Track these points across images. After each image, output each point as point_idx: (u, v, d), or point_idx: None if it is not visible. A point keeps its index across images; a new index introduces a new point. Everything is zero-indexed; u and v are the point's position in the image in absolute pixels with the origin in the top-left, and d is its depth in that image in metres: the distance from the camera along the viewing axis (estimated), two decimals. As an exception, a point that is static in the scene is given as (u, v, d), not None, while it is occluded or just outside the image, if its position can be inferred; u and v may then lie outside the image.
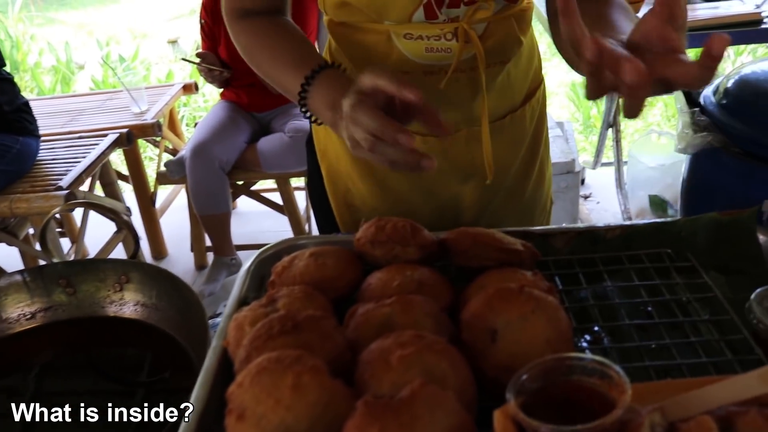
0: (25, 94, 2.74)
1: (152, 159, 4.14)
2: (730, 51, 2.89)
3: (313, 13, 2.56)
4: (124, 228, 2.71)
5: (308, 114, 0.90)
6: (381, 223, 0.79)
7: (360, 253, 0.82)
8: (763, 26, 2.15)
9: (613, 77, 0.64)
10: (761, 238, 0.85)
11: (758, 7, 2.26)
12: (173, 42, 9.97)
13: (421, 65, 0.95)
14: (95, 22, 12.95)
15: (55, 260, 1.04)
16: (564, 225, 0.92)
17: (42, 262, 1.14)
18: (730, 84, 1.97)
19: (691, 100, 2.03)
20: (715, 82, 2.03)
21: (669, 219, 0.91)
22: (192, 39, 10.21)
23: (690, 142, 1.83)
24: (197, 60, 2.71)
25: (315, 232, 2.79)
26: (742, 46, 3.99)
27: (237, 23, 0.99)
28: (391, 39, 0.94)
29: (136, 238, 1.08)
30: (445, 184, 1.06)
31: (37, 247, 2.60)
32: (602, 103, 4.85)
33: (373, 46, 0.96)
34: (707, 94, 1.99)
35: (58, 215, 2.53)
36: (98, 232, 2.70)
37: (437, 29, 0.92)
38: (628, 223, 0.91)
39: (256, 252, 0.90)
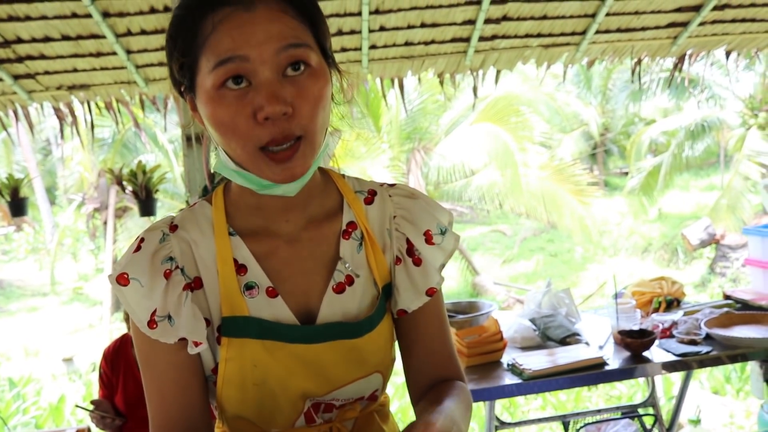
0: None
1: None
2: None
3: None
4: None
5: None
6: None
7: None
8: (606, 368, 2.48)
9: None
10: None
11: (601, 348, 2.63)
12: (68, 360, 9.86)
13: None
14: (-15, 336, 12.69)
15: None
16: None
17: None
18: None
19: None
20: None
21: None
22: (88, 356, 10.14)
23: None
24: (91, 408, 2.75)
25: None
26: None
27: None
28: None
29: None
30: None
31: None
32: None
33: None
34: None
35: None
36: None
37: (315, 430, 1.06)
38: None
39: None
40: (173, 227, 1.02)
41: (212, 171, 1.09)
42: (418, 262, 1.09)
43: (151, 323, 0.96)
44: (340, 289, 1.03)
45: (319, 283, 1.03)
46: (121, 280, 0.96)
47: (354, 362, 1.04)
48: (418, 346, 1.14)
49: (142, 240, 0.99)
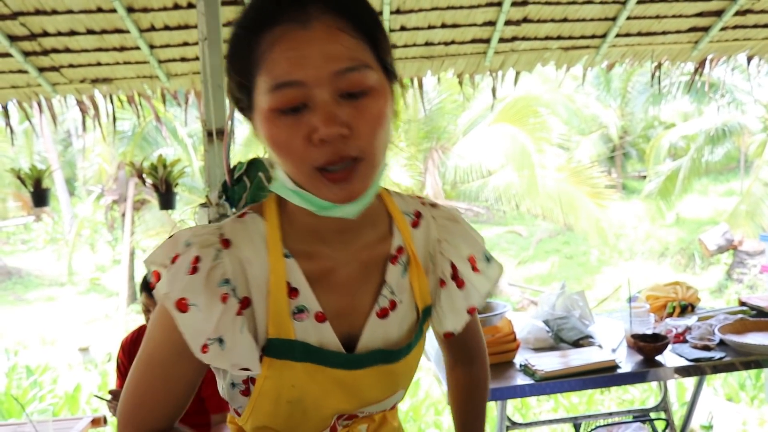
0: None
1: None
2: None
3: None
4: None
5: None
6: None
7: None
8: (619, 371, 2.49)
9: None
10: None
11: (614, 351, 2.63)
12: (84, 350, 9.97)
13: None
14: (4, 323, 12.84)
15: None
16: None
17: None
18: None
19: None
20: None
21: None
22: (104, 346, 10.24)
23: None
24: (108, 397, 2.79)
25: None
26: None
27: None
28: None
29: None
30: None
31: None
32: None
33: None
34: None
35: None
36: None
37: None
38: None
39: None
40: (225, 242, 0.98)
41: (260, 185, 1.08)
42: (461, 284, 1.11)
43: (204, 347, 0.94)
44: (383, 314, 1.04)
45: (365, 307, 1.04)
46: (181, 306, 0.93)
47: (388, 383, 1.07)
48: (454, 342, 1.26)
49: (197, 259, 0.95)
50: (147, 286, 2.69)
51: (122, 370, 2.89)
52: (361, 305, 1.03)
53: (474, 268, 1.11)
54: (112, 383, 6.09)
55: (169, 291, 0.94)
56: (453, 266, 1.11)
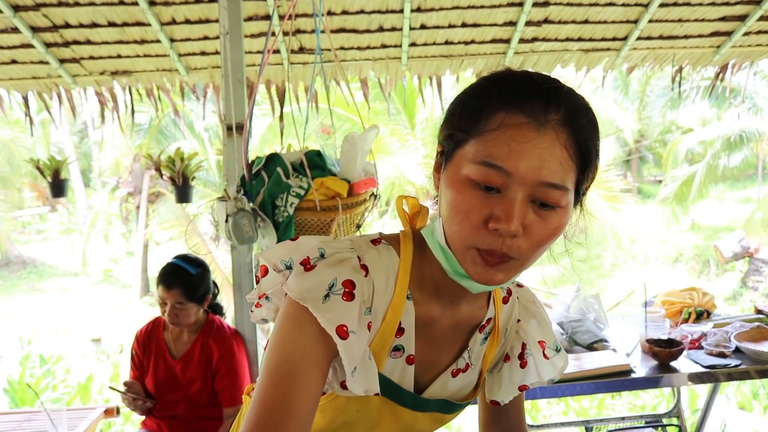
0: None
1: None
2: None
3: None
4: None
5: None
6: None
7: None
8: (633, 375, 2.47)
9: None
10: None
11: (628, 356, 2.62)
12: (96, 340, 10.04)
13: None
14: (18, 311, 12.96)
15: None
16: None
17: None
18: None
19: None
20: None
21: None
22: (116, 338, 10.31)
23: None
24: (123, 389, 2.81)
25: None
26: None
27: None
28: None
29: None
30: None
31: None
32: None
33: None
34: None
35: None
36: None
37: None
38: None
39: None
40: (364, 267, 1.00)
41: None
42: (524, 365, 1.17)
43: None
44: (456, 374, 1.12)
45: (444, 363, 1.11)
46: (341, 333, 0.93)
47: (435, 426, 1.16)
48: (497, 419, 1.27)
49: (352, 285, 0.97)
50: (163, 280, 2.70)
51: (136, 362, 2.91)
52: (442, 360, 1.11)
53: (544, 355, 1.17)
54: (124, 374, 6.13)
55: (310, 302, 0.93)
56: (524, 346, 1.17)
